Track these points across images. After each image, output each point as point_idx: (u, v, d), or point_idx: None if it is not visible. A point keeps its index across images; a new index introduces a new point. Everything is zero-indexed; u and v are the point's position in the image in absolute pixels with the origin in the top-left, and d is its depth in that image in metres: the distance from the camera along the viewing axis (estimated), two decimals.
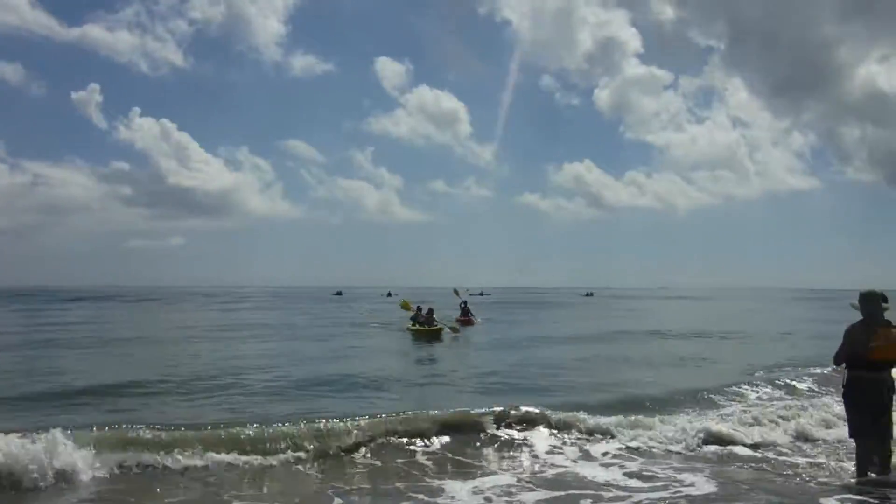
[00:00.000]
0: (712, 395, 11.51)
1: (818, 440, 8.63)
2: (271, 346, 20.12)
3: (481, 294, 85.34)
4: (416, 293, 55.53)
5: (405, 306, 25.48)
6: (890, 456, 6.24)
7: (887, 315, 6.25)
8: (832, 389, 11.67)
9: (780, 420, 9.29)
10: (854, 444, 6.44)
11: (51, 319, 33.46)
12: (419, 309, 24.26)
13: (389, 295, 79.44)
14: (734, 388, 12.29)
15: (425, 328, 22.27)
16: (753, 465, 7.50)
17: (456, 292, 33.61)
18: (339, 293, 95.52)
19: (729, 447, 8.16)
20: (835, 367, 6.67)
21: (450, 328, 23.34)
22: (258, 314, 41.81)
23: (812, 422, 9.28)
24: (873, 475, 6.17)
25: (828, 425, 9.13)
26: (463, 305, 30.47)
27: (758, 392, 12.16)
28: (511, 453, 7.81)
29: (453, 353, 19.28)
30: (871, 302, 6.20)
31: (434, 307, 24.89)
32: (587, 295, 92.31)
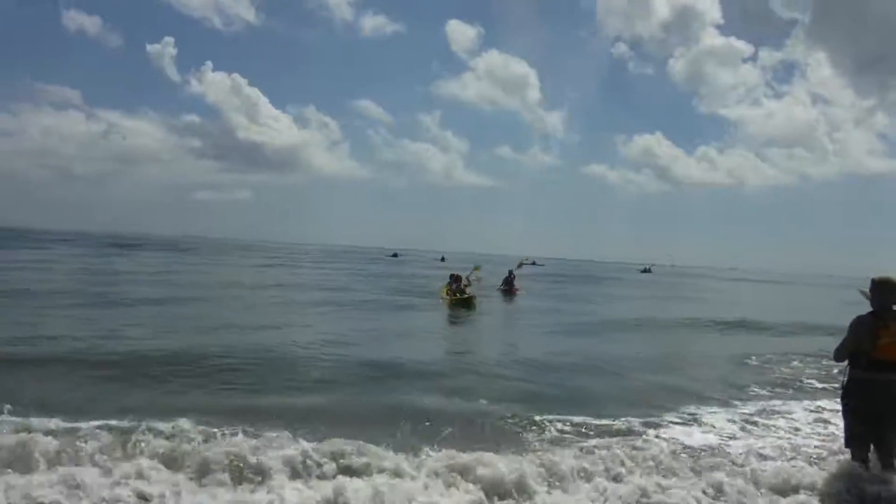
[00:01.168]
0: None
1: None
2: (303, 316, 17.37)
3: (534, 264, 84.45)
4: (471, 259, 55.07)
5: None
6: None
7: None
8: None
9: None
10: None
11: (106, 267, 34.91)
12: (451, 276, 23.59)
13: (443, 259, 79.65)
14: None
15: (457, 297, 21.72)
16: None
17: (521, 264, 32.43)
18: (395, 255, 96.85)
19: None
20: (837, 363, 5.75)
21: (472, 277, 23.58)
22: (313, 273, 42.59)
23: None
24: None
25: None
26: (509, 275, 29.61)
27: None
28: None
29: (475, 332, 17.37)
30: (886, 291, 5.39)
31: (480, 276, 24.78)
32: (644, 271, 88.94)
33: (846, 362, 5.53)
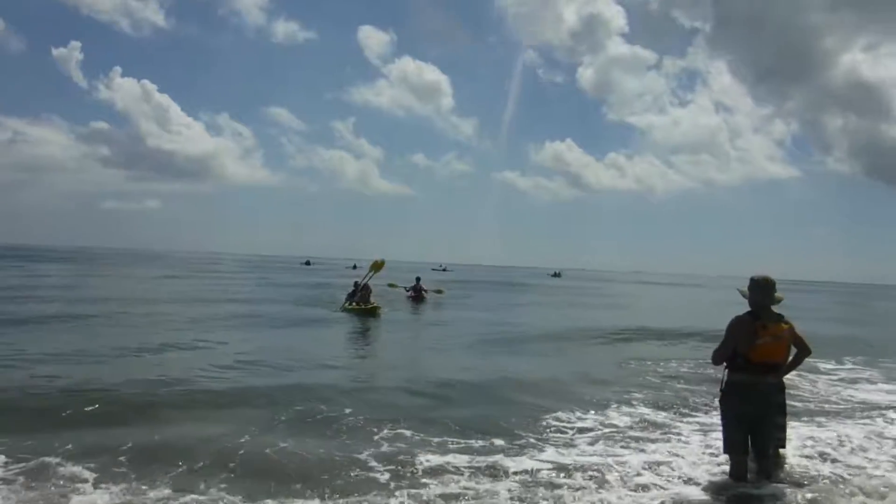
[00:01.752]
0: None
1: None
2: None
3: (444, 269, 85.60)
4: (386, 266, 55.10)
5: (391, 285, 28.89)
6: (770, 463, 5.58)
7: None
8: None
9: None
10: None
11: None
12: (356, 285, 23.11)
13: (354, 267, 79.19)
14: None
15: (360, 307, 21.52)
16: None
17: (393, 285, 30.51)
18: (307, 262, 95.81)
19: None
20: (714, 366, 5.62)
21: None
22: (220, 284, 41.49)
23: None
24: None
25: None
26: (416, 282, 29.84)
27: None
28: None
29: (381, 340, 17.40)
30: (765, 290, 5.27)
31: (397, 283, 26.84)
32: (554, 275, 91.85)
33: (724, 365, 5.38)
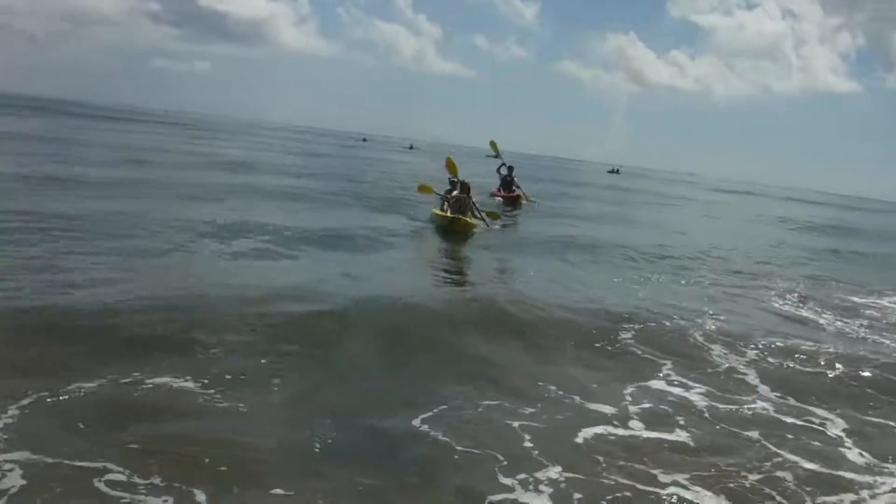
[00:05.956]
0: None
1: None
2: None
3: (617, 172, 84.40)
4: (441, 149, 53.62)
5: (426, 190, 16.59)
6: None
7: None
8: None
9: None
10: None
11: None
12: (452, 184, 15.33)
13: (411, 147, 77.98)
14: None
15: (448, 217, 13.89)
16: None
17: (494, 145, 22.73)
18: (364, 139, 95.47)
19: None
20: None
21: (485, 216, 14.90)
22: (274, 154, 40.72)
23: None
24: None
25: None
26: (505, 173, 21.77)
27: None
28: None
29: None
30: None
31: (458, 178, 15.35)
32: (612, 172, 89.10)
33: None
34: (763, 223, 30.07)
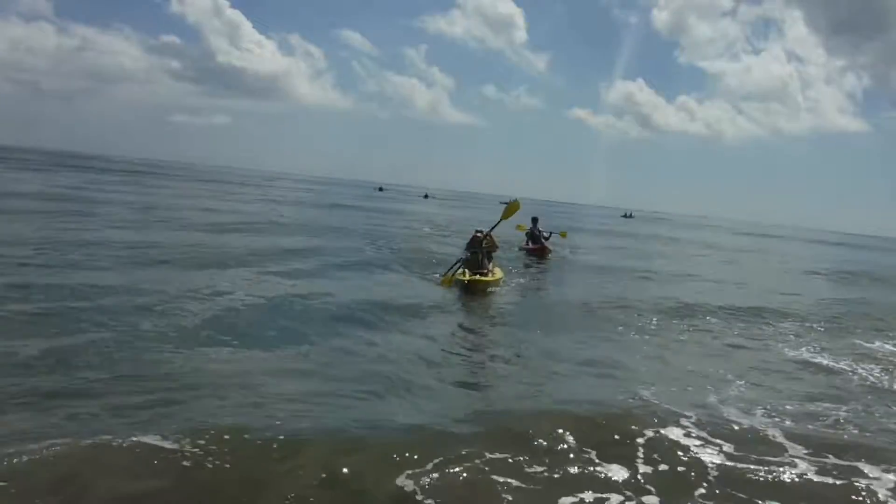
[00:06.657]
0: None
1: None
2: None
3: (630, 216, 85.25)
4: (455, 196, 54.28)
5: (447, 282, 13.85)
6: None
7: None
8: None
9: None
10: None
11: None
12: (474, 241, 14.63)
13: (426, 196, 78.84)
14: None
15: (465, 280, 13.33)
16: None
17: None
18: (380, 189, 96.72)
19: None
20: None
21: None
22: (294, 210, 41.29)
23: None
24: None
25: None
26: (531, 226, 22.22)
27: None
28: None
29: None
30: None
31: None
32: (626, 216, 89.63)
33: None
34: (799, 271, 29.26)
